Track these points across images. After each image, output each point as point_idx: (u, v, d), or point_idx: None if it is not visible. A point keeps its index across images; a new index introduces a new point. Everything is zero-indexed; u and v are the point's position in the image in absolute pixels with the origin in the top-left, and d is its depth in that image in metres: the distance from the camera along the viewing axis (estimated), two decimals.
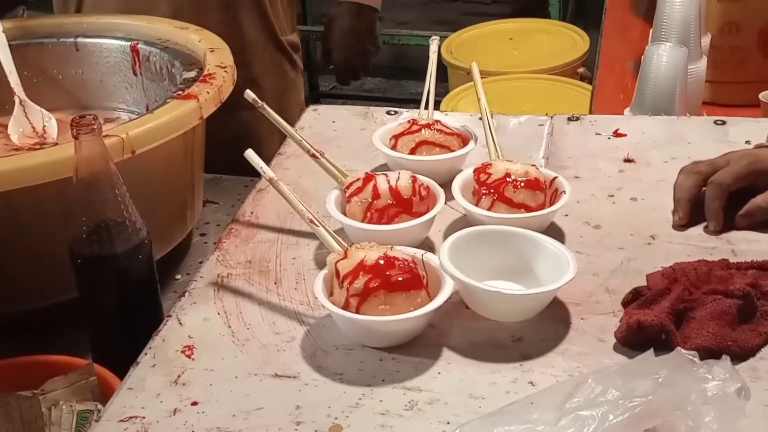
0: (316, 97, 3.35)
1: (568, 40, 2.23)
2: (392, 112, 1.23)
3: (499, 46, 2.26)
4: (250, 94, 0.95)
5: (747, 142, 1.08)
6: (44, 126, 1.21)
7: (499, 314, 0.81)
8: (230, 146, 1.34)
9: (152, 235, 0.90)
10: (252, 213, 1.02)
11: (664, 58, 1.27)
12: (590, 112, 1.61)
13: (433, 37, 1.14)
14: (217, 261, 0.93)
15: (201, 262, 1.15)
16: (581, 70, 2.09)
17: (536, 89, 1.99)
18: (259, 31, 1.51)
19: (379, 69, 3.77)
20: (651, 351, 0.60)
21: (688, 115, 1.29)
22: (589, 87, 1.96)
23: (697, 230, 0.94)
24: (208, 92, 1.02)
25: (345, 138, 1.17)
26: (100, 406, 0.82)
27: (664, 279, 0.82)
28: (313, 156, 0.96)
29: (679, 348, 0.61)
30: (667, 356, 0.59)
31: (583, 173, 1.06)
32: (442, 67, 2.07)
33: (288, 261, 0.93)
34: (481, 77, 1.08)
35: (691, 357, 0.58)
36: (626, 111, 1.33)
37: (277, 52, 1.55)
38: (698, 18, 1.35)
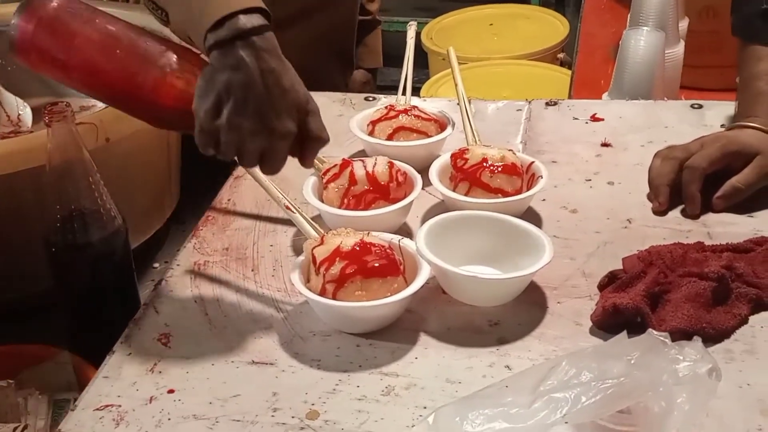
0: None
1: (548, 26, 2.23)
2: (371, 98, 1.23)
3: (479, 31, 2.26)
4: None
5: (722, 125, 1.09)
6: (19, 114, 1.20)
7: (475, 299, 0.81)
8: None
9: (129, 223, 0.89)
10: (229, 200, 1.01)
11: (642, 42, 1.27)
12: (569, 98, 1.61)
13: (410, 23, 1.14)
14: (194, 249, 0.93)
15: (179, 250, 1.14)
16: (561, 55, 2.09)
17: (516, 75, 1.98)
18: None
19: None
20: (624, 333, 0.60)
21: (665, 99, 1.29)
22: (569, 72, 1.96)
23: (674, 213, 0.94)
24: None
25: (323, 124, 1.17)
26: (76, 395, 0.81)
27: (640, 262, 0.83)
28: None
29: (650, 330, 0.61)
30: (639, 338, 0.59)
31: (561, 158, 1.06)
32: (422, 53, 2.06)
33: (265, 248, 0.92)
34: (461, 63, 1.08)
35: (662, 338, 0.59)
36: (604, 96, 1.33)
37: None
38: (676, 2, 1.35)
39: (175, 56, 0.78)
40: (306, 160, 0.80)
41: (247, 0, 0.73)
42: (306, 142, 0.78)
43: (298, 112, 0.76)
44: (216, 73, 0.73)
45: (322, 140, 0.79)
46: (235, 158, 0.77)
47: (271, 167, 0.78)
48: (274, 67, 0.74)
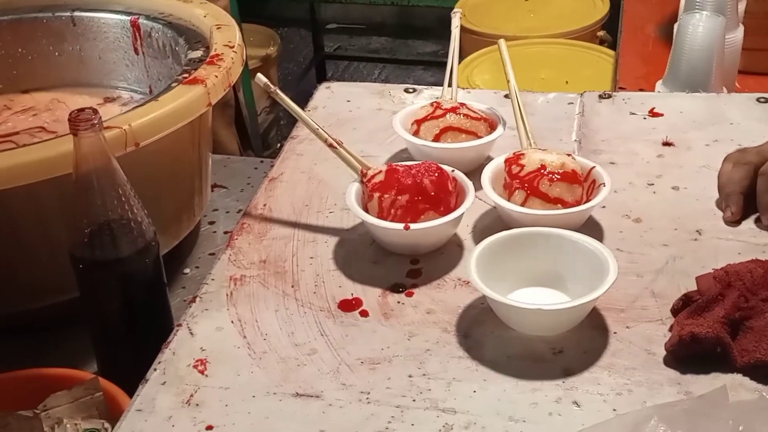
0: (321, 58, 3.24)
1: (586, 1, 2.13)
2: (410, 90, 1.16)
3: (514, 8, 2.17)
4: (261, 79, 0.88)
5: None
6: None
7: (537, 330, 0.75)
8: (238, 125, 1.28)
9: (159, 227, 0.83)
10: (265, 205, 0.95)
11: (700, 28, 1.19)
12: (615, 81, 1.53)
13: (455, 11, 1.06)
14: (229, 261, 0.87)
15: (212, 254, 1.09)
16: (601, 33, 1.99)
17: (555, 55, 1.90)
18: None
19: (385, 28, 3.66)
20: (724, 387, 0.54)
21: (724, 89, 1.21)
22: (610, 51, 1.87)
23: (747, 224, 0.87)
24: (216, 76, 0.94)
25: (361, 119, 1.10)
26: (107, 425, 0.76)
27: (717, 283, 0.76)
28: (331, 146, 0.88)
29: (763, 394, 0.54)
30: (746, 401, 0.52)
31: (619, 158, 0.98)
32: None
33: (305, 260, 0.86)
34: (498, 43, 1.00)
35: None
36: (658, 84, 1.25)
37: None
38: None
39: None
40: None
41: None
42: None
43: None
44: None
45: None
46: None
47: None
48: None
